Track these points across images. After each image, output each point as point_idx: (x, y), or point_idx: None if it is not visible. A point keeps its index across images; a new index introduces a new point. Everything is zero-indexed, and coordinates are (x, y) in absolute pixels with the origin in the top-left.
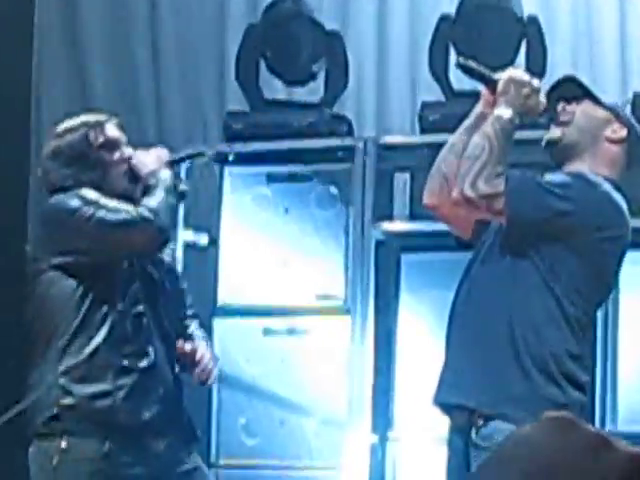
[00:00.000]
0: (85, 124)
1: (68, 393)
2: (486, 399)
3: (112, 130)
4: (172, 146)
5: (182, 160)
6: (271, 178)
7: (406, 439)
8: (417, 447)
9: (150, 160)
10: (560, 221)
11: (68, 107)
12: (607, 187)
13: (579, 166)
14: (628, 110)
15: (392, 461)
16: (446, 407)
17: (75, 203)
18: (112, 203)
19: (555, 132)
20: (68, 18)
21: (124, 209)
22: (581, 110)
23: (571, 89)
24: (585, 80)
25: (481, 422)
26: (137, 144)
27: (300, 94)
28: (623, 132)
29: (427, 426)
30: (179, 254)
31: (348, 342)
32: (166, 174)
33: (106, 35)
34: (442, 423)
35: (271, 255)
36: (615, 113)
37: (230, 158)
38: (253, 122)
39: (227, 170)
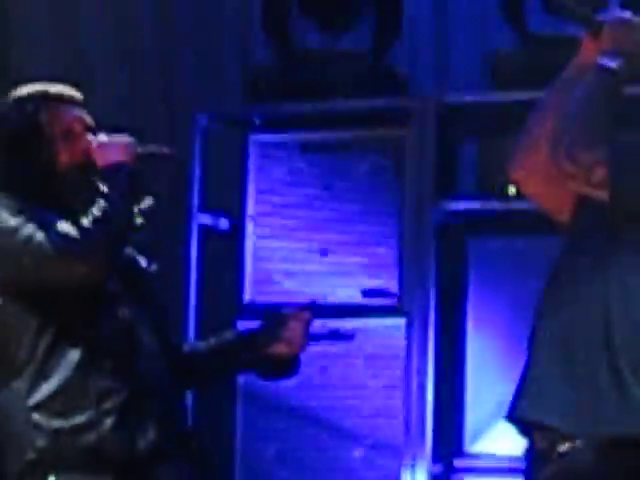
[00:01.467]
0: (37, 98)
1: (44, 431)
2: (571, 416)
3: (72, 112)
4: (181, 109)
5: (150, 157)
6: (307, 148)
7: (477, 469)
8: (490, 479)
9: (112, 149)
10: None
11: (52, 61)
12: None
13: None
14: None
15: None
16: (523, 425)
17: (13, 221)
18: (47, 220)
19: None
20: None
21: (60, 230)
22: None
23: None
24: None
25: (565, 445)
26: (136, 100)
27: (342, 42)
28: None
29: (503, 452)
30: (194, 242)
31: (404, 348)
32: (119, 174)
33: None
34: (520, 446)
35: (308, 242)
36: None
37: (256, 123)
38: (284, 78)
39: (252, 138)
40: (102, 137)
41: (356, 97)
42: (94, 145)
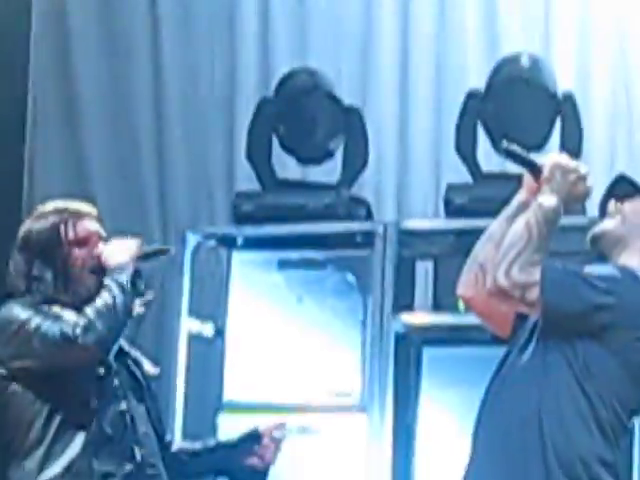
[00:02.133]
0: (59, 212)
1: None
2: None
3: (87, 225)
4: (175, 227)
5: (150, 255)
6: (283, 264)
7: None
8: None
9: (119, 252)
10: (598, 316)
11: (62, 187)
12: None
13: (627, 260)
14: None
15: None
16: None
17: (24, 315)
18: (54, 311)
19: (604, 225)
20: (64, 87)
21: (65, 320)
22: (631, 206)
23: (623, 187)
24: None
25: None
26: (137, 223)
27: (316, 174)
28: None
29: None
30: (182, 345)
31: (364, 443)
32: (123, 272)
33: (106, 104)
34: None
35: (282, 348)
36: None
37: (239, 242)
38: (264, 203)
39: (235, 255)
40: (111, 242)
41: (327, 221)
42: (103, 249)
